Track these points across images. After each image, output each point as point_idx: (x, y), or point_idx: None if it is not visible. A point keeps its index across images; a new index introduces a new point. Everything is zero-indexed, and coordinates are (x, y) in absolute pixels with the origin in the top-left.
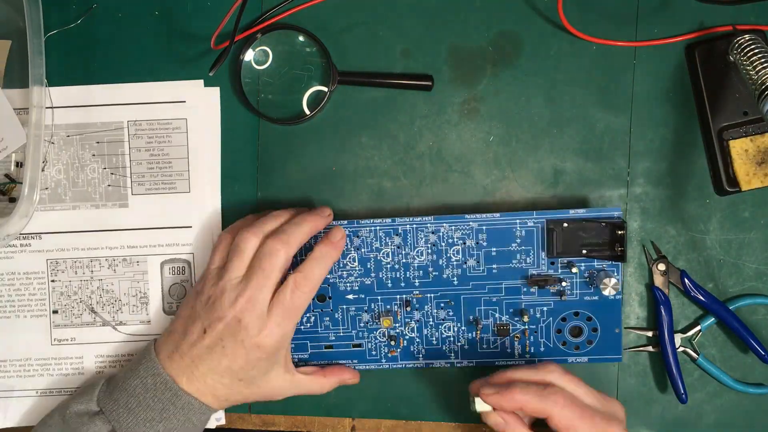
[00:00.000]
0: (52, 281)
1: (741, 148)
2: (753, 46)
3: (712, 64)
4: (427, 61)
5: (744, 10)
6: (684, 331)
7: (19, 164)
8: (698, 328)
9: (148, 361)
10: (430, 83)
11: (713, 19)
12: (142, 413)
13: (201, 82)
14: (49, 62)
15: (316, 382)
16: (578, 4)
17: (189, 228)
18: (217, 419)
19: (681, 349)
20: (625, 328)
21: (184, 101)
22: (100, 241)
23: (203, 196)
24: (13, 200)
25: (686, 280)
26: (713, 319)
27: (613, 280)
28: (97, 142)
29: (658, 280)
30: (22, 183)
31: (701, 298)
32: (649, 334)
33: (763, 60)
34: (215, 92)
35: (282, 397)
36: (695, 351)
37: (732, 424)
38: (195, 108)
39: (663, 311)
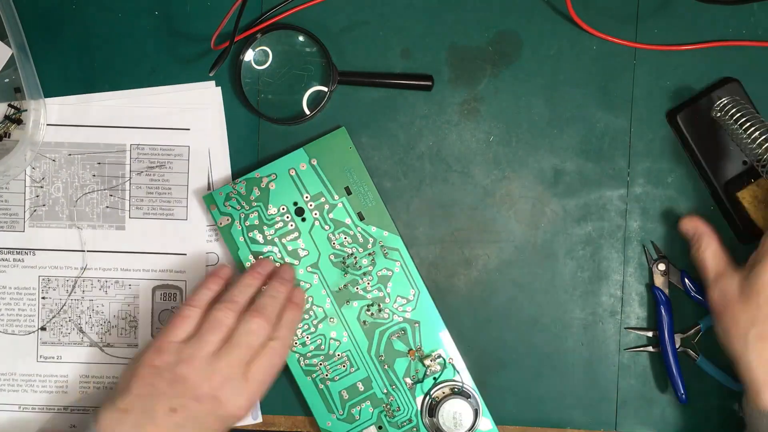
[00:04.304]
0: (43, 298)
1: (751, 196)
2: (734, 109)
3: (698, 125)
4: (427, 61)
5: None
6: (684, 331)
7: (17, 90)
8: (698, 328)
9: None
10: (430, 83)
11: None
12: None
13: (204, 87)
14: (48, 65)
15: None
16: (580, 3)
17: (183, 255)
18: (254, 417)
19: (681, 349)
20: (625, 328)
21: (189, 129)
22: (94, 261)
23: (200, 224)
24: (20, 122)
25: (686, 280)
26: None
27: None
28: (99, 163)
29: (658, 280)
30: (27, 110)
31: (701, 298)
32: (649, 334)
33: (752, 125)
34: (220, 112)
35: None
36: (695, 351)
37: (732, 424)
38: (198, 134)
39: (663, 311)
